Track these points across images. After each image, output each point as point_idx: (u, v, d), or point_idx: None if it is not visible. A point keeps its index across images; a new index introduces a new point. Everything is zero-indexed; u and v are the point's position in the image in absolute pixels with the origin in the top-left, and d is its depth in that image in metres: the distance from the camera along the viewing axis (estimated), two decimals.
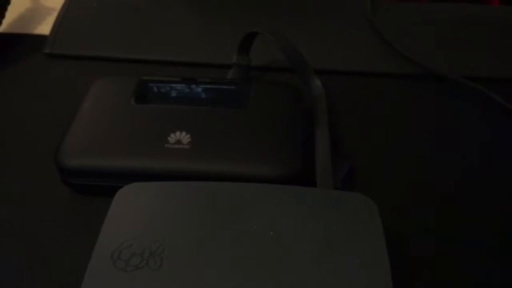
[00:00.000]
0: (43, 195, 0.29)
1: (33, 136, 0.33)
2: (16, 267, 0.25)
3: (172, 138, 0.29)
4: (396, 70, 0.36)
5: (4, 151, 0.31)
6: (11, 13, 0.42)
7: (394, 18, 0.40)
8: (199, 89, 0.32)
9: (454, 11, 0.40)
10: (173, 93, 0.32)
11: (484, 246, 0.26)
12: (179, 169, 0.27)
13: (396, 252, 0.24)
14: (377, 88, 0.36)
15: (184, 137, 0.29)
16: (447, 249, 0.26)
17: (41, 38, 0.40)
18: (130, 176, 0.27)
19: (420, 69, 0.36)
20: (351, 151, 0.31)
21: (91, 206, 0.28)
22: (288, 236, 0.22)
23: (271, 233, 0.22)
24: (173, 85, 0.33)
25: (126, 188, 0.25)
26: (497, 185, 0.29)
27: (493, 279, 0.25)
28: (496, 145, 0.32)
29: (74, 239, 0.26)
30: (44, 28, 0.42)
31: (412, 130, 0.33)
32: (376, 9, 0.40)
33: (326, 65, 0.37)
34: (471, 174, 0.30)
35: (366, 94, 0.36)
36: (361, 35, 0.39)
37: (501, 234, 0.27)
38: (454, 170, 0.30)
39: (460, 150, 0.32)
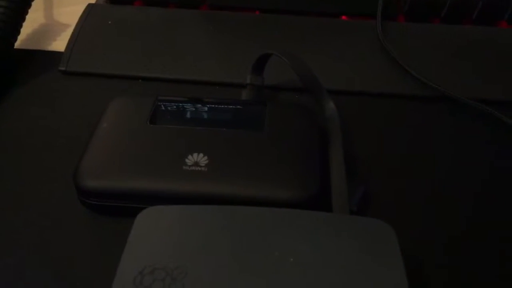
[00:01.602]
0: (61, 215, 0.29)
1: (48, 153, 0.33)
2: None
3: (190, 160, 0.29)
4: (409, 91, 0.37)
5: (20, 169, 0.32)
6: (26, 29, 0.42)
7: (405, 39, 0.40)
8: (216, 110, 0.33)
9: (465, 33, 0.41)
10: (189, 114, 0.33)
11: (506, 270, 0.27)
12: (197, 192, 0.28)
13: (414, 276, 0.24)
14: (390, 110, 0.36)
15: (201, 159, 0.29)
16: (467, 274, 0.27)
17: (56, 54, 0.41)
18: (148, 198, 0.27)
19: (431, 91, 0.36)
20: (366, 173, 0.32)
21: (109, 227, 0.28)
22: (308, 262, 0.23)
23: (291, 259, 0.23)
24: (189, 105, 0.33)
25: (147, 211, 0.25)
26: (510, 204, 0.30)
27: None
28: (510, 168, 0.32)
29: (93, 260, 0.27)
30: (59, 44, 0.42)
31: (425, 152, 0.33)
32: (388, 30, 0.41)
33: (338, 86, 0.37)
34: (487, 197, 0.30)
35: (378, 116, 0.36)
36: (373, 56, 0.39)
37: None
38: (470, 192, 0.31)
39: (475, 173, 0.32)
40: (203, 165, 0.29)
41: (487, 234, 0.28)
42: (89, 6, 0.43)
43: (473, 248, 0.28)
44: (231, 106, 0.33)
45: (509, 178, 0.31)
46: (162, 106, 0.33)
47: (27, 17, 0.41)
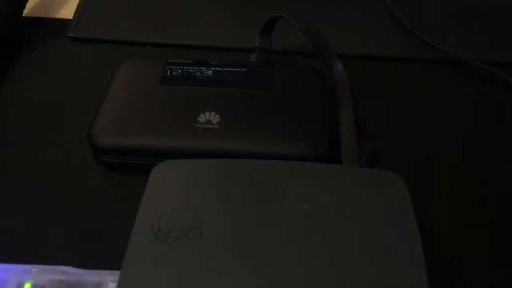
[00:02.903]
0: (78, 174, 0.30)
1: (61, 118, 0.33)
2: (58, 243, 0.26)
3: (202, 118, 0.29)
4: (417, 55, 0.37)
5: (34, 135, 0.32)
6: None
7: (412, 2, 0.41)
8: (225, 72, 0.33)
9: None
10: (199, 76, 0.33)
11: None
12: (210, 148, 0.28)
13: (424, 225, 0.25)
14: (398, 73, 0.36)
15: (213, 117, 0.29)
16: (471, 221, 0.27)
17: (64, 22, 0.41)
18: (162, 154, 0.28)
19: (439, 54, 0.37)
20: (375, 133, 0.32)
21: (124, 184, 0.29)
22: (323, 210, 0.23)
23: (305, 207, 0.23)
24: (199, 67, 0.33)
25: (162, 165, 0.26)
26: None
27: None
28: None
29: (111, 216, 0.27)
30: (67, 12, 0.42)
31: (433, 112, 0.34)
32: None
33: (346, 50, 0.37)
34: (493, 154, 0.31)
35: (387, 78, 0.36)
36: (380, 20, 0.39)
37: None
38: (477, 150, 0.31)
39: (481, 132, 0.32)
40: (215, 122, 0.29)
41: (493, 186, 0.29)
42: None
43: (477, 197, 0.28)
44: (240, 68, 0.33)
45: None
46: (173, 68, 0.33)
47: None
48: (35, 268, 0.23)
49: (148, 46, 0.39)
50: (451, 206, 0.28)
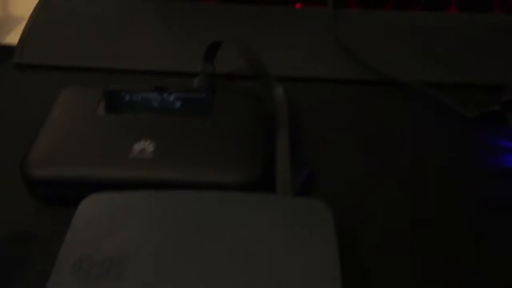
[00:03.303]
0: (9, 205, 0.29)
1: (0, 146, 0.33)
2: None
3: (136, 147, 0.29)
4: (356, 76, 0.38)
5: None
6: None
7: (357, 26, 0.41)
8: (164, 98, 0.33)
9: (414, 19, 0.42)
10: (139, 102, 0.33)
11: (444, 247, 0.28)
12: (142, 178, 0.28)
13: (351, 253, 0.25)
14: (338, 95, 0.37)
15: (148, 146, 0.29)
16: (403, 252, 0.28)
17: (9, 48, 0.41)
18: (95, 186, 0.28)
19: (379, 76, 0.37)
20: (312, 156, 0.33)
21: (57, 216, 0.28)
22: (245, 242, 0.23)
23: (230, 239, 0.23)
24: (139, 94, 0.33)
25: (88, 199, 0.25)
26: (451, 185, 0.31)
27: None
28: (450, 148, 0.33)
29: (41, 250, 0.27)
30: (14, 37, 0.42)
31: (373, 135, 0.34)
32: (340, 17, 0.41)
33: (289, 72, 0.38)
34: (428, 177, 0.31)
35: (327, 101, 0.37)
36: (324, 43, 0.40)
37: (459, 233, 0.28)
38: (412, 172, 0.32)
39: (416, 154, 0.33)
40: (150, 151, 0.29)
41: (426, 213, 0.29)
42: None
43: (410, 226, 0.29)
44: (180, 94, 0.33)
45: (451, 159, 0.33)
46: (111, 95, 0.33)
47: None
48: None
49: (93, 71, 0.39)
50: (384, 231, 0.29)
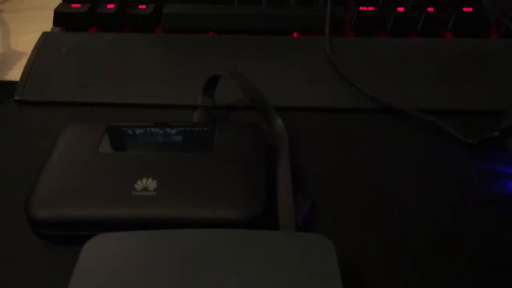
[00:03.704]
0: (13, 246, 0.29)
1: (2, 185, 0.33)
2: None
3: (139, 185, 0.30)
4: (356, 105, 0.38)
5: None
6: None
7: (353, 54, 0.42)
8: (166, 134, 0.33)
9: (410, 45, 0.42)
10: (140, 139, 0.33)
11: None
12: (146, 217, 0.28)
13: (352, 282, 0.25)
14: (338, 124, 0.37)
15: (150, 183, 0.30)
16: (404, 280, 0.28)
17: (12, 84, 0.41)
18: (99, 225, 0.28)
19: (378, 104, 0.38)
20: (314, 187, 0.33)
21: (63, 256, 0.29)
22: (249, 281, 0.23)
23: (234, 279, 0.23)
24: (140, 129, 0.34)
25: (93, 240, 0.26)
26: (451, 211, 0.31)
27: None
28: (450, 174, 0.33)
29: None
30: (15, 73, 0.43)
31: (373, 164, 0.34)
32: (336, 45, 0.42)
33: (287, 102, 0.38)
34: (432, 208, 0.31)
35: (327, 130, 0.37)
36: (321, 71, 0.40)
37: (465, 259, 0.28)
38: (416, 204, 0.32)
39: (418, 181, 0.33)
40: (152, 189, 0.29)
41: (430, 248, 0.29)
42: (44, 34, 0.44)
43: (414, 261, 0.29)
44: (181, 129, 0.34)
45: (451, 185, 0.33)
46: (113, 132, 0.33)
47: None
48: None
49: (95, 106, 0.39)
50: (387, 265, 0.29)
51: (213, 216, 0.28)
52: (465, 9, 0.44)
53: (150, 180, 0.30)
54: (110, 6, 0.46)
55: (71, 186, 0.30)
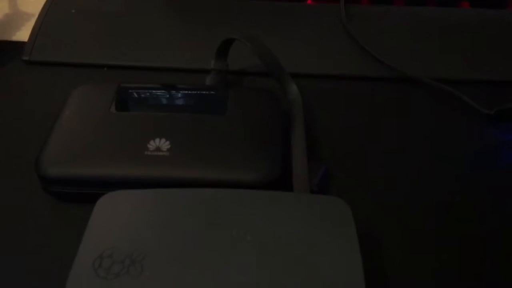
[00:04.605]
0: (24, 203, 0.29)
1: (13, 143, 0.33)
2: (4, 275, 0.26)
3: (152, 145, 0.29)
4: (370, 73, 0.37)
5: None
6: None
7: (368, 22, 0.41)
8: (178, 96, 0.33)
9: (426, 14, 0.41)
10: (152, 100, 0.33)
11: (460, 248, 0.28)
12: (159, 176, 0.28)
13: (369, 250, 0.25)
14: (352, 91, 0.37)
15: (163, 144, 0.29)
16: (420, 250, 0.27)
17: (19, 44, 0.40)
18: (110, 184, 0.27)
19: (392, 72, 0.37)
20: (327, 153, 0.32)
21: (73, 214, 0.28)
22: (265, 240, 0.23)
23: (249, 237, 0.23)
24: (152, 91, 0.33)
25: (106, 197, 0.25)
26: (465, 181, 0.31)
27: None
28: (467, 144, 0.33)
29: (57, 247, 0.27)
30: (23, 34, 0.42)
31: (387, 132, 0.34)
32: (351, 12, 0.41)
33: (301, 69, 0.37)
34: (444, 175, 0.31)
35: (341, 97, 0.37)
36: (336, 39, 0.40)
37: (475, 230, 0.28)
38: (428, 170, 0.31)
39: (433, 150, 0.33)
40: (165, 149, 0.29)
41: (442, 213, 0.29)
42: None
43: (427, 226, 0.29)
44: (194, 91, 0.33)
45: (466, 154, 0.32)
46: (125, 93, 0.33)
47: None
48: None
49: (105, 68, 0.39)
50: (401, 229, 0.28)
51: (229, 177, 0.28)
52: None
53: (163, 140, 0.29)
54: None
55: (83, 145, 0.29)
